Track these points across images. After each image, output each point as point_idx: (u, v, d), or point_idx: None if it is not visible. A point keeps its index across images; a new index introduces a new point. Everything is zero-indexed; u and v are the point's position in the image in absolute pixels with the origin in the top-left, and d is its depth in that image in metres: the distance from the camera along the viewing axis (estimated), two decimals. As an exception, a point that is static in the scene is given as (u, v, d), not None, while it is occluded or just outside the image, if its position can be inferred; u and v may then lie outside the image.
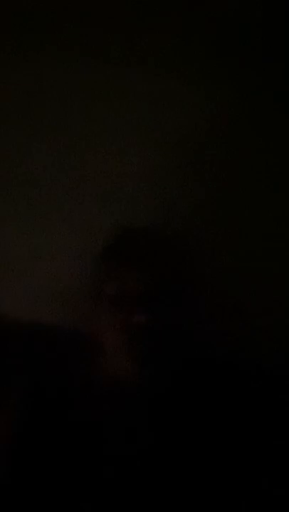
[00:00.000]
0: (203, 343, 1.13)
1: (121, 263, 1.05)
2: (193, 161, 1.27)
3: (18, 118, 1.30)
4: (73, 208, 1.27)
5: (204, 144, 1.27)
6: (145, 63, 1.30)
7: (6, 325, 1.18)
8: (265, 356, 1.19)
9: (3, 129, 1.30)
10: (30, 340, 1.18)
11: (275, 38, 1.28)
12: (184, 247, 1.13)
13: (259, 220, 1.29)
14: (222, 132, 1.28)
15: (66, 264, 1.23)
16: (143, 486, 1.02)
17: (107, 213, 1.24)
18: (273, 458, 1.09)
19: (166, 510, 1.02)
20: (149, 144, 1.28)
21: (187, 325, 1.09)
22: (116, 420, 1.04)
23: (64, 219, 1.27)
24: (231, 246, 1.26)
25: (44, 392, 1.07)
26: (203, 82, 1.29)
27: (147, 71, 1.29)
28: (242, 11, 1.28)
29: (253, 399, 1.11)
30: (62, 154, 1.29)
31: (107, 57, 1.29)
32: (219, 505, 1.03)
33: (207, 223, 1.24)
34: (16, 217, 1.29)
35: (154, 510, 1.01)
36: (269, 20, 1.28)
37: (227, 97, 1.29)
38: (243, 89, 1.30)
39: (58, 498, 1.00)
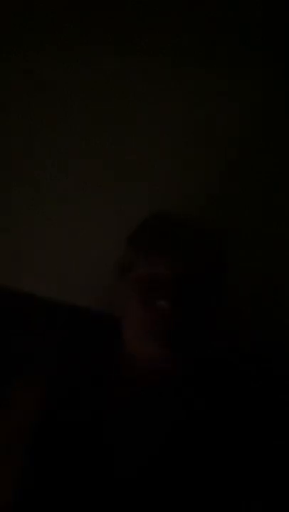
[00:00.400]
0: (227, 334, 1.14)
1: (151, 247, 1.05)
2: (221, 153, 1.28)
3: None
4: (107, 194, 1.31)
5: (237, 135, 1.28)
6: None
7: (41, 307, 1.24)
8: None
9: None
10: (64, 323, 1.23)
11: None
12: (213, 236, 1.12)
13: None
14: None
15: (101, 248, 1.28)
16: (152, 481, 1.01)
17: (140, 199, 1.27)
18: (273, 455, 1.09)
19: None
20: (178, 134, 1.29)
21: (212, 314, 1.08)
22: (140, 405, 1.04)
23: (98, 204, 1.31)
24: (263, 238, 1.27)
25: (74, 374, 1.08)
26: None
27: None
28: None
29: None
30: (95, 142, 1.32)
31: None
32: (217, 502, 1.02)
33: (239, 215, 1.27)
34: (52, 202, 1.33)
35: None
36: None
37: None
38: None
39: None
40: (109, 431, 1.02)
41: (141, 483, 0.98)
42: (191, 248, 1.05)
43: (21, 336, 1.25)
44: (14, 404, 1.06)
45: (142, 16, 1.29)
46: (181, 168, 1.29)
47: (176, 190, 1.28)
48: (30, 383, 1.08)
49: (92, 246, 1.31)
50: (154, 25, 1.29)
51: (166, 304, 1.00)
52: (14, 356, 1.23)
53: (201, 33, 1.28)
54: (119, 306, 1.08)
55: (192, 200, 1.26)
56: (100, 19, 1.31)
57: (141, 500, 0.98)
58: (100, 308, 1.25)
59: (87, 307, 1.26)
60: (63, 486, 0.97)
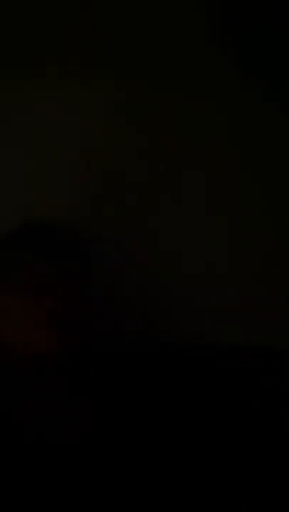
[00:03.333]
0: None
1: (26, 257, 1.13)
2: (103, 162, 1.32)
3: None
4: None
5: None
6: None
7: None
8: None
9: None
10: None
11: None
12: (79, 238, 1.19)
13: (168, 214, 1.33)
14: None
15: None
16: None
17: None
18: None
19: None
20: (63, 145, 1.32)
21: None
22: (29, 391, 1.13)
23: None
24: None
25: None
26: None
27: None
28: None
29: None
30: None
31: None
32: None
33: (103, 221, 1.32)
34: None
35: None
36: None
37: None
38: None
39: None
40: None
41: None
42: (64, 250, 1.14)
43: None
44: None
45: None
46: (52, 179, 1.33)
47: (46, 200, 1.32)
48: None
49: None
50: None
51: (53, 301, 1.09)
52: None
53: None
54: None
55: (60, 208, 1.31)
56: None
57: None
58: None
59: None
60: None
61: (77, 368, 1.16)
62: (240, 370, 1.25)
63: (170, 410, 1.19)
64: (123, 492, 1.11)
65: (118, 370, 1.23)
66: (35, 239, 1.15)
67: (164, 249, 1.33)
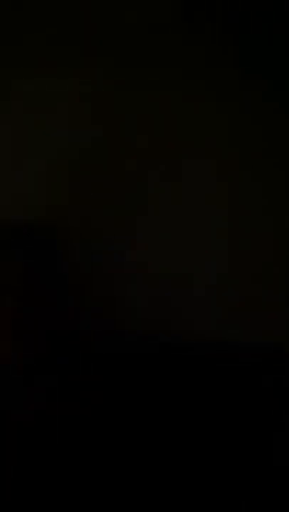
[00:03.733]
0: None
1: None
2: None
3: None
4: None
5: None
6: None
7: None
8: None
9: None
10: None
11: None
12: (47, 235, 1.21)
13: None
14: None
15: None
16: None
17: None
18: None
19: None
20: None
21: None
22: None
23: None
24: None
25: None
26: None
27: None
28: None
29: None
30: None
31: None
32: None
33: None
34: None
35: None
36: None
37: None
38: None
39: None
40: None
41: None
42: (27, 248, 1.14)
43: None
44: None
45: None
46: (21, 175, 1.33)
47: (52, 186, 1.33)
48: None
49: None
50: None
51: (9, 301, 1.10)
52: None
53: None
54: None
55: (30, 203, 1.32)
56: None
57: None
58: None
59: None
60: None
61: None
62: (240, 368, 1.24)
63: (169, 408, 1.19)
64: (122, 488, 1.10)
65: (117, 370, 1.22)
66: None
67: (164, 249, 1.33)
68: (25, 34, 1.31)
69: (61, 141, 1.32)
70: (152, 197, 1.32)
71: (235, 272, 1.32)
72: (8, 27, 1.30)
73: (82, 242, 1.31)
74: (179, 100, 1.30)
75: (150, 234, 1.33)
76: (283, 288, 1.31)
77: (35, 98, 1.33)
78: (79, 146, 1.31)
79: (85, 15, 1.29)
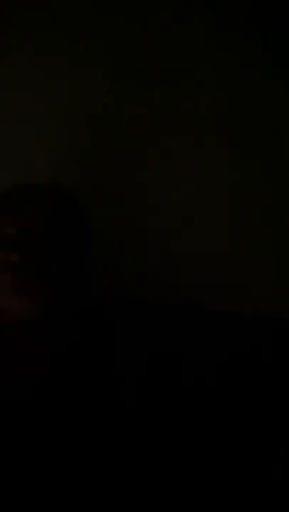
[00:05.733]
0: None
1: (1, 211, 1.15)
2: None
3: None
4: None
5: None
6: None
7: None
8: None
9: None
10: None
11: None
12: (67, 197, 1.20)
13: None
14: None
15: None
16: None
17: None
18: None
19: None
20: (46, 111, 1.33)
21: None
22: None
23: None
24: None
25: None
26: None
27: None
28: None
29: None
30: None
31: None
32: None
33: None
34: None
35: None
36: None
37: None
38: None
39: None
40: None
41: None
42: (37, 208, 1.14)
43: None
44: None
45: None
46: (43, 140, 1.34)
47: (39, 161, 1.33)
48: None
49: None
50: None
51: (13, 257, 1.10)
52: None
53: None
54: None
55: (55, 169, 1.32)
56: None
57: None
58: None
59: None
60: None
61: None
62: (240, 336, 1.23)
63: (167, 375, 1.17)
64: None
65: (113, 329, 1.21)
66: (18, 200, 1.16)
67: (163, 224, 1.33)
68: None
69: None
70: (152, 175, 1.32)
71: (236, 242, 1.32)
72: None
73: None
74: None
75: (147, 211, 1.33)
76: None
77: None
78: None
79: None
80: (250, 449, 1.13)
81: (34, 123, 1.33)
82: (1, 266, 1.11)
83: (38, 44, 1.32)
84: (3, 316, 1.15)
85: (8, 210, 1.14)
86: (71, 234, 1.18)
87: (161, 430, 1.12)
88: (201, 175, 1.31)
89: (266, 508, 1.09)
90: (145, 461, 1.09)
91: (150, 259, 1.32)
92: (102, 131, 1.32)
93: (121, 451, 1.09)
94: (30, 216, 1.13)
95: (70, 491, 1.07)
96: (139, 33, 1.29)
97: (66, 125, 1.33)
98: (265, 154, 1.30)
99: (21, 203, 1.15)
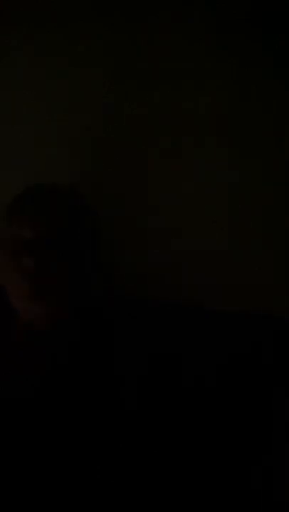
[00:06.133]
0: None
1: (17, 212, 1.15)
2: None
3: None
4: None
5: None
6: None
7: None
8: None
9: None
10: None
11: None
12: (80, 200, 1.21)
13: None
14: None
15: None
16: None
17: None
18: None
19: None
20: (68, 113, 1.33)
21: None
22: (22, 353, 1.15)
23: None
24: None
25: None
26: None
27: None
28: None
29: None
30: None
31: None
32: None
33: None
34: None
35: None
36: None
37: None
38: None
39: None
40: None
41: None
42: (54, 211, 1.14)
43: None
44: None
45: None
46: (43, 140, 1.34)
47: (51, 163, 1.33)
48: None
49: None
50: None
51: (30, 262, 1.09)
52: None
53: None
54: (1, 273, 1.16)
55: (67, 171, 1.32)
56: None
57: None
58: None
59: None
60: None
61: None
62: (240, 336, 1.23)
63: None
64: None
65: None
66: (32, 202, 1.15)
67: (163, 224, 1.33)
68: None
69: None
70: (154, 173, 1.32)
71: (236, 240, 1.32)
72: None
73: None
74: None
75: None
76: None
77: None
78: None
79: None
80: (250, 448, 1.13)
81: (34, 123, 1.33)
82: (18, 271, 1.11)
83: (38, 44, 1.32)
84: (17, 319, 1.16)
85: (24, 211, 1.14)
86: (85, 237, 1.17)
87: (161, 430, 1.11)
88: (201, 175, 1.31)
89: (266, 508, 1.09)
90: (145, 461, 1.09)
91: (150, 259, 1.32)
92: (102, 131, 1.32)
93: (121, 450, 1.09)
94: (47, 218, 1.13)
95: (70, 490, 1.06)
96: (139, 33, 1.29)
97: (66, 125, 1.32)
98: (265, 154, 1.30)
99: (38, 205, 1.14)
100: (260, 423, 1.14)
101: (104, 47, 1.30)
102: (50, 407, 1.10)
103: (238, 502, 1.09)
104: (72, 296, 1.16)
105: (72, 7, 1.30)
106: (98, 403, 1.11)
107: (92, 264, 1.19)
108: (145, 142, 1.31)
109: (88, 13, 1.30)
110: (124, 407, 1.11)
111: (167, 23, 1.28)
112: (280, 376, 1.19)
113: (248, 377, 1.18)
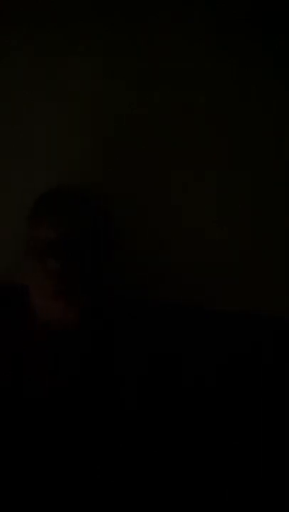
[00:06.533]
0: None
1: (41, 214, 1.17)
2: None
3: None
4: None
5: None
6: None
7: None
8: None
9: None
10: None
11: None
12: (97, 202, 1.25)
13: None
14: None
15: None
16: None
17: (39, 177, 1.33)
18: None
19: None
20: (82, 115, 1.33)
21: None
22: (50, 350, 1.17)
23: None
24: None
25: None
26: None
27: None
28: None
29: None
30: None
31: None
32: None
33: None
34: None
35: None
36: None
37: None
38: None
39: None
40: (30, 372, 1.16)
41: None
42: (75, 213, 1.17)
43: None
44: None
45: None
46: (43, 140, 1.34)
47: (38, 161, 1.34)
48: None
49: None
50: None
51: (55, 262, 1.12)
52: None
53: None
54: (26, 273, 1.18)
55: (84, 174, 1.32)
56: None
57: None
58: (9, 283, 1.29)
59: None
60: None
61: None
62: (240, 336, 1.23)
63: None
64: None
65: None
66: (56, 204, 1.17)
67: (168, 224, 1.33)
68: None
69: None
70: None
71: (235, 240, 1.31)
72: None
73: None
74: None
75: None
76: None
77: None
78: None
79: None
80: (250, 448, 1.13)
81: (34, 123, 1.33)
82: (43, 271, 1.13)
83: (38, 44, 1.31)
84: (36, 319, 1.17)
85: (48, 213, 1.15)
86: (103, 237, 1.21)
87: (161, 429, 1.12)
88: (201, 175, 1.31)
89: (266, 508, 1.09)
90: (145, 460, 1.09)
91: (150, 259, 1.32)
92: (102, 131, 1.32)
93: (121, 449, 1.09)
94: (70, 219, 1.15)
95: (71, 489, 1.07)
96: (139, 33, 1.29)
97: (66, 125, 1.32)
98: (265, 154, 1.30)
99: (61, 207, 1.16)
100: (260, 423, 1.14)
101: (104, 47, 1.30)
102: (56, 405, 1.12)
103: (238, 502, 1.09)
104: (87, 295, 1.17)
105: (72, 7, 1.30)
106: (99, 403, 1.12)
107: (103, 264, 1.22)
108: (145, 142, 1.31)
109: (88, 13, 1.30)
110: (125, 406, 1.12)
111: (167, 23, 1.28)
112: (280, 376, 1.19)
113: (248, 377, 1.18)
